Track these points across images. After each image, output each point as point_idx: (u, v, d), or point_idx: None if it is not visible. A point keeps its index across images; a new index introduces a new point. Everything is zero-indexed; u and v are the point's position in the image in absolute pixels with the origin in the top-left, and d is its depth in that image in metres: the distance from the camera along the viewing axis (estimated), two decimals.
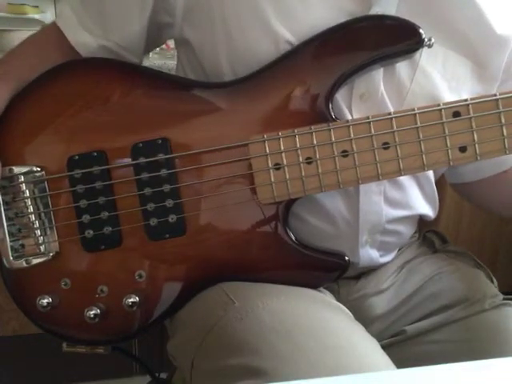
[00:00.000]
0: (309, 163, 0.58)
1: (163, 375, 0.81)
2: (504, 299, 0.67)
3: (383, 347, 0.55)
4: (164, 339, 0.71)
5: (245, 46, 0.61)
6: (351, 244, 0.65)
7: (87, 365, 1.18)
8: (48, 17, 1.46)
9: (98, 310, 0.61)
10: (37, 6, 1.44)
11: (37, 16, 1.42)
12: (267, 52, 0.60)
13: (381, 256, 0.69)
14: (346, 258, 0.62)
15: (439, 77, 0.62)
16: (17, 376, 1.37)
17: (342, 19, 0.59)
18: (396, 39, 0.58)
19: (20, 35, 1.26)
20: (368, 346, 0.54)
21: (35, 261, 0.62)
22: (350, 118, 0.61)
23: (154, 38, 0.68)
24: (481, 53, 0.63)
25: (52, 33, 0.69)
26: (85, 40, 0.66)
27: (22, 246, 0.62)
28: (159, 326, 0.67)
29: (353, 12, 0.59)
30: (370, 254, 0.67)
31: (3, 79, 0.63)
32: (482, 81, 0.65)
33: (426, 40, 0.57)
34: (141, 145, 0.60)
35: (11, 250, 0.62)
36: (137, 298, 0.60)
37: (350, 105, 0.61)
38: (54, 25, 0.69)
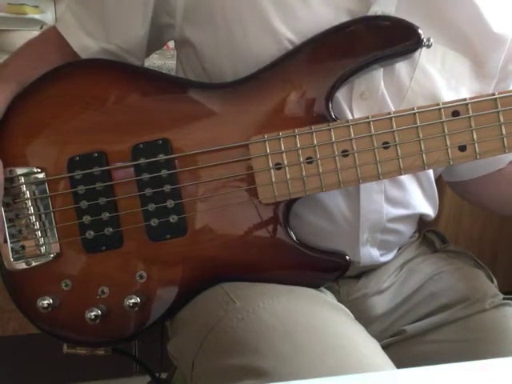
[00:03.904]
0: (309, 163, 0.58)
1: (163, 375, 0.81)
2: (504, 299, 0.67)
3: (383, 347, 0.55)
4: (164, 339, 0.71)
5: (246, 45, 0.61)
6: (352, 243, 0.65)
7: (87, 365, 1.18)
8: (48, 17, 1.46)
9: (99, 311, 0.61)
10: (37, 6, 1.44)
11: (37, 16, 1.42)
12: (269, 51, 0.60)
13: (381, 255, 0.69)
14: (347, 258, 0.62)
15: (438, 75, 0.62)
16: (17, 376, 1.37)
17: (341, 18, 0.59)
18: (395, 40, 0.58)
19: (20, 35, 1.27)
20: (368, 347, 0.54)
21: (35, 262, 0.62)
22: (350, 117, 0.61)
23: (155, 39, 0.68)
24: (479, 51, 0.64)
25: (52, 36, 0.69)
26: (86, 43, 0.66)
27: (23, 247, 0.62)
28: (160, 326, 0.67)
29: (353, 10, 0.59)
30: (370, 253, 0.67)
31: (4, 81, 0.64)
32: (480, 79, 0.65)
33: (424, 40, 0.57)
34: (141, 145, 0.60)
35: (11, 251, 0.62)
36: (138, 299, 0.60)
37: (351, 104, 0.61)
38: (53, 28, 0.69)
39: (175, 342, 0.65)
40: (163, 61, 1.22)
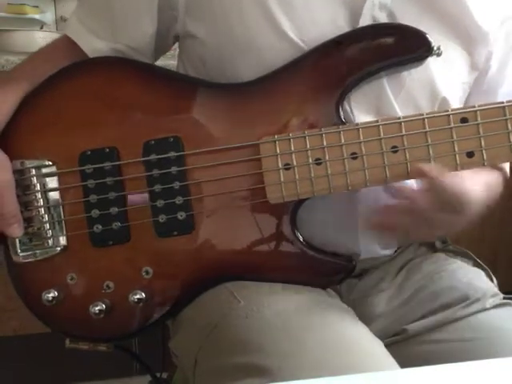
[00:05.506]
0: (318, 164, 0.59)
1: (164, 375, 0.80)
2: (504, 299, 0.67)
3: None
4: (165, 338, 0.71)
5: (247, 39, 0.61)
6: (351, 233, 0.65)
7: (88, 364, 1.17)
8: (48, 17, 1.46)
9: (104, 306, 0.61)
10: (37, 6, 1.44)
11: (37, 16, 1.42)
12: (269, 41, 0.61)
13: (381, 248, 0.69)
14: (353, 261, 0.63)
15: (434, 62, 0.63)
16: (17, 376, 1.35)
17: (340, 11, 0.60)
18: (406, 48, 0.59)
19: (20, 35, 1.26)
20: (372, 346, 0.54)
21: (42, 255, 0.62)
22: (348, 106, 0.61)
23: (162, 37, 0.69)
24: (472, 43, 0.65)
25: (62, 42, 0.70)
26: (96, 45, 0.67)
27: (30, 239, 0.62)
28: (163, 323, 0.67)
29: (351, 4, 0.60)
30: (370, 245, 0.67)
31: (15, 81, 0.65)
32: (471, 69, 0.67)
33: (435, 48, 0.58)
34: (153, 142, 0.61)
35: (19, 243, 0.62)
36: (143, 295, 0.60)
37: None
38: (63, 36, 0.70)
39: (177, 339, 0.65)
40: (164, 61, 1.22)
